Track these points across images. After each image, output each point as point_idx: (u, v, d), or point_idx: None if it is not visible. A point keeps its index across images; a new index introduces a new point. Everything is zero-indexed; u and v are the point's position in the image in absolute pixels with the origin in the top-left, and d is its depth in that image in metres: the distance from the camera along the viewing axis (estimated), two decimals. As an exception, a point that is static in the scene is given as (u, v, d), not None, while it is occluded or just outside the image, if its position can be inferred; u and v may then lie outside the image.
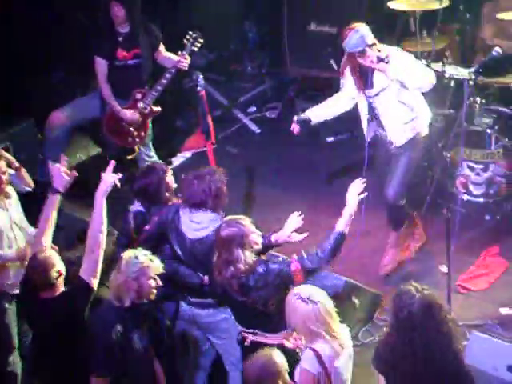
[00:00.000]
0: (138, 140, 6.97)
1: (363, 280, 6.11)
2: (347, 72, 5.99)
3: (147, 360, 4.83)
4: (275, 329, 4.71)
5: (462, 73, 6.80)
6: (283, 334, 4.70)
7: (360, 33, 5.67)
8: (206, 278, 5.10)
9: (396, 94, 5.80)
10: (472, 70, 5.75)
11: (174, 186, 5.50)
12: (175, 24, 6.89)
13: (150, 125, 6.99)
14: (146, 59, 6.86)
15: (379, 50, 5.69)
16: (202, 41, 6.76)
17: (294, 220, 5.13)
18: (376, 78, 5.86)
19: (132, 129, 6.92)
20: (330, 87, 8.63)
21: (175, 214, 5.13)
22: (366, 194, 4.91)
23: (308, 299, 4.39)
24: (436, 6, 7.11)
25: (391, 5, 7.37)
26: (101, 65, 6.83)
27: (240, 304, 4.79)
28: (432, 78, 5.75)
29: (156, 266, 4.75)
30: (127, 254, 4.75)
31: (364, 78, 5.87)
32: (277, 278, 4.70)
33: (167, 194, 5.45)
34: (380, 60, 5.66)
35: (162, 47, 6.95)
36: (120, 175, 5.00)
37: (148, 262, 4.72)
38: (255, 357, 4.35)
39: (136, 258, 4.70)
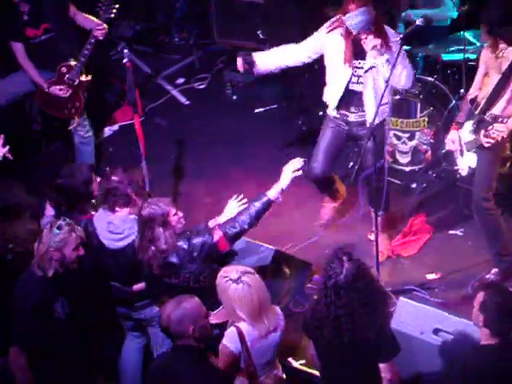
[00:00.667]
0: (74, 111, 6.92)
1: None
2: (326, 30, 5.78)
3: (71, 329, 4.82)
4: (216, 303, 4.67)
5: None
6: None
7: (363, 15, 5.48)
8: (137, 286, 5.09)
9: (384, 73, 5.61)
10: (397, 39, 5.79)
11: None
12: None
13: (85, 95, 6.92)
14: (61, 28, 6.77)
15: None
16: (116, 6, 6.66)
17: (233, 205, 5.13)
18: (370, 53, 5.67)
19: (65, 101, 6.86)
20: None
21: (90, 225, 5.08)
22: (300, 172, 4.94)
23: (236, 281, 4.40)
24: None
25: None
26: (17, 48, 6.81)
27: (173, 287, 4.77)
28: (413, 79, 5.78)
29: (78, 235, 4.74)
30: (49, 224, 4.73)
31: (357, 47, 5.70)
32: (202, 250, 4.71)
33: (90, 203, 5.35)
34: (375, 49, 5.54)
35: (73, 9, 6.83)
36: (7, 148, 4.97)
37: (70, 232, 4.70)
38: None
39: (58, 228, 4.67)
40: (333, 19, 5.83)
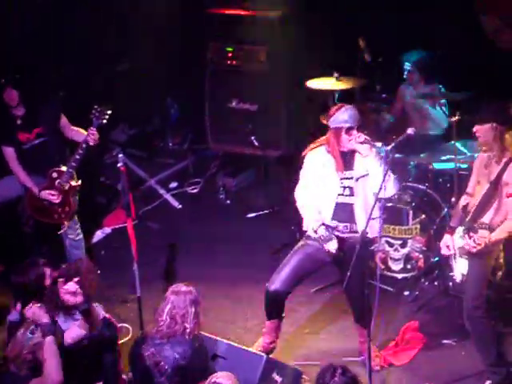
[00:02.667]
0: (63, 216, 6.93)
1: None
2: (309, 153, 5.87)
3: None
4: None
5: (380, 150, 6.98)
6: None
7: (351, 111, 5.68)
8: None
9: (372, 186, 5.70)
10: (389, 148, 5.89)
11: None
12: (93, 101, 6.87)
13: (75, 200, 6.94)
14: (52, 134, 6.86)
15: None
16: (109, 113, 6.76)
17: None
18: (357, 162, 5.77)
19: (56, 206, 6.87)
20: (252, 163, 8.79)
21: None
22: None
23: None
24: (352, 85, 7.35)
25: (310, 84, 7.55)
26: (8, 152, 6.89)
27: None
28: (398, 184, 5.80)
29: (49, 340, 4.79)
30: (22, 328, 4.82)
31: (344, 158, 5.78)
32: None
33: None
34: (366, 142, 5.65)
35: (65, 121, 6.93)
36: None
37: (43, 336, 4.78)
38: None
39: (31, 332, 4.78)
40: (312, 145, 5.92)
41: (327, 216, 5.82)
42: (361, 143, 5.69)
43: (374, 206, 5.45)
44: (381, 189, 5.42)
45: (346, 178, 5.81)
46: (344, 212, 5.81)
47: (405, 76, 7.71)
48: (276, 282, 5.84)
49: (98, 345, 5.22)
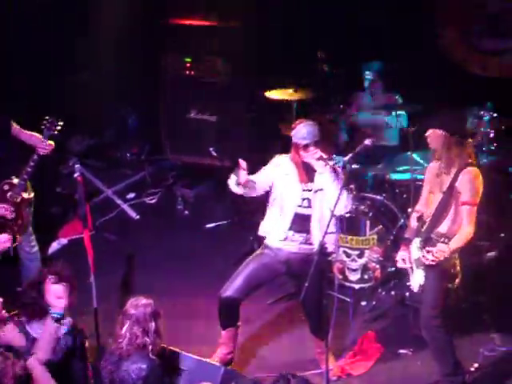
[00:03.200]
0: (16, 229, 6.82)
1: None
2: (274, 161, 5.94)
3: None
4: None
5: (337, 161, 7.03)
6: None
7: (309, 127, 5.73)
8: None
9: (327, 200, 5.75)
10: (346, 158, 5.93)
11: None
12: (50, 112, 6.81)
13: (28, 212, 6.84)
14: (3, 148, 6.75)
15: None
16: (61, 124, 6.69)
17: None
18: (317, 176, 5.81)
19: (7, 220, 6.77)
20: (210, 174, 8.78)
21: None
22: None
23: None
24: (310, 96, 7.40)
25: (269, 94, 7.58)
26: None
27: None
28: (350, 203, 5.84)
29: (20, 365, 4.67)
30: None
31: (307, 170, 5.82)
32: None
33: None
34: (321, 159, 5.69)
35: (16, 128, 6.83)
36: None
37: (5, 361, 4.62)
38: None
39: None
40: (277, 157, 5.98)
41: (285, 225, 5.84)
42: (316, 159, 5.73)
43: (330, 221, 5.49)
44: (336, 205, 5.47)
45: (307, 190, 5.85)
46: (301, 223, 5.85)
47: (366, 85, 7.77)
48: (228, 290, 5.85)
49: (68, 352, 5.14)
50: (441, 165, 5.60)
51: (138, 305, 4.96)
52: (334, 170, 5.77)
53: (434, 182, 5.68)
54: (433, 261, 5.33)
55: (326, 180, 5.74)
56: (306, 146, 5.75)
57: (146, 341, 4.87)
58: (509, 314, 6.68)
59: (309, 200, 5.85)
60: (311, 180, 5.84)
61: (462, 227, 5.47)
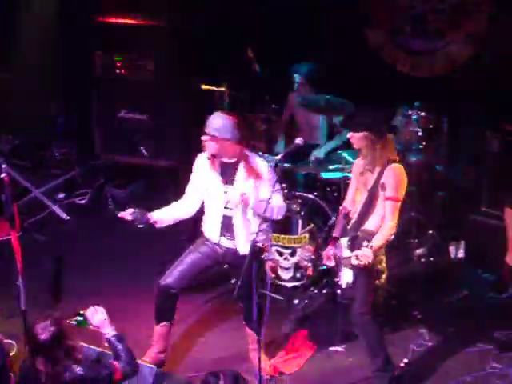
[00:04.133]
0: None
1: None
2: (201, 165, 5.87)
3: None
4: None
5: (269, 159, 7.06)
6: None
7: (228, 121, 5.61)
8: None
9: (253, 200, 5.69)
10: (278, 157, 5.94)
11: None
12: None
13: None
14: None
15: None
16: None
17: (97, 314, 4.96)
18: (239, 176, 5.76)
19: None
20: (141, 173, 8.72)
21: None
22: None
23: None
24: (242, 95, 7.41)
25: (204, 86, 7.55)
26: None
27: None
28: (282, 212, 5.77)
29: None
30: None
31: (225, 171, 5.78)
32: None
33: None
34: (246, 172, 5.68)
35: None
36: None
37: None
38: None
39: None
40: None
41: (216, 229, 5.85)
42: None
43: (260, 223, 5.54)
44: (266, 208, 5.47)
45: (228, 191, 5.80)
46: (228, 224, 5.84)
47: (295, 87, 7.81)
48: (168, 278, 5.82)
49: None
50: (365, 163, 5.64)
51: (37, 334, 4.53)
52: (259, 177, 5.71)
53: (359, 179, 5.74)
54: (359, 265, 5.39)
55: (250, 185, 5.71)
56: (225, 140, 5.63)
57: (60, 369, 4.55)
58: (437, 310, 6.81)
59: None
60: (231, 181, 5.78)
61: (384, 222, 5.52)
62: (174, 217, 6.00)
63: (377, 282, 5.69)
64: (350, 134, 5.64)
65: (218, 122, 5.64)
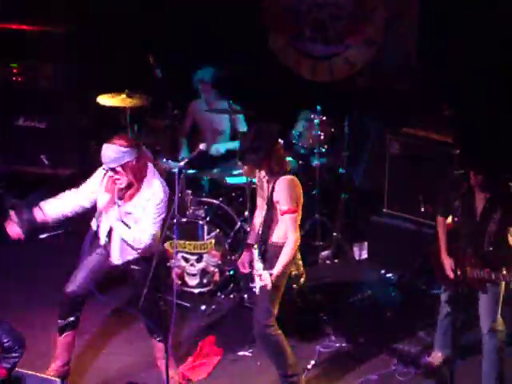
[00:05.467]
0: None
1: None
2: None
3: None
4: None
5: (173, 166, 7.03)
6: None
7: (119, 145, 5.43)
8: None
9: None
10: (182, 163, 5.90)
11: None
12: None
13: None
14: None
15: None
16: None
17: None
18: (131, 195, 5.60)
19: None
20: (41, 182, 8.52)
21: None
22: None
23: None
24: (143, 103, 7.35)
25: (100, 100, 7.41)
26: None
27: None
28: (144, 240, 5.57)
29: None
30: None
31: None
32: None
33: None
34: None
35: None
36: None
37: None
38: None
39: None
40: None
41: (103, 230, 5.74)
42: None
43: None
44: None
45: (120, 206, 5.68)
46: (110, 232, 5.72)
47: (199, 96, 7.78)
48: (72, 284, 5.71)
49: None
50: (262, 174, 5.62)
51: None
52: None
53: (259, 192, 5.75)
54: (263, 286, 5.42)
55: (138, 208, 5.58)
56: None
57: None
58: (342, 312, 6.90)
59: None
60: (120, 198, 5.62)
61: (288, 237, 5.50)
62: (60, 211, 5.82)
63: (294, 285, 5.72)
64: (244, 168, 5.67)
65: (111, 153, 5.44)
